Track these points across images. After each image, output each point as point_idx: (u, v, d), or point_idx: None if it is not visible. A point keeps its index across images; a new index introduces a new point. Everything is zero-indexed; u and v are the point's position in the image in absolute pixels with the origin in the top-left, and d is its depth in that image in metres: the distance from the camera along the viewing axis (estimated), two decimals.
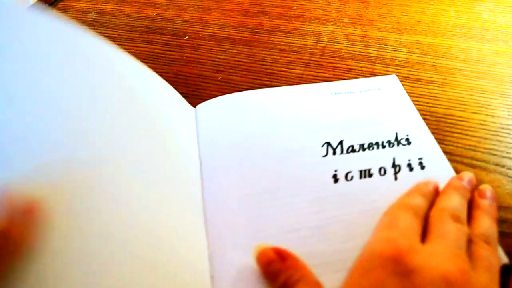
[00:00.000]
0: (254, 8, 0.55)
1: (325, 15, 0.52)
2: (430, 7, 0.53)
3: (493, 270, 0.23)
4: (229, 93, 0.40)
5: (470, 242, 0.24)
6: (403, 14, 0.52)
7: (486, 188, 0.29)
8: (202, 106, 0.39)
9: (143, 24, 0.53)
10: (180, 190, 0.30)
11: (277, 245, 0.27)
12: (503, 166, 0.33)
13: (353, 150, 0.34)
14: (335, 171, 0.32)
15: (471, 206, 0.28)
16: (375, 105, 0.38)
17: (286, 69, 0.44)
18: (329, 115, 0.37)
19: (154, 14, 0.54)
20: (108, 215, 0.23)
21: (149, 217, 0.25)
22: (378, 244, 0.23)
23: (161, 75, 0.44)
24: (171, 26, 0.52)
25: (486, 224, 0.26)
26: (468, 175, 0.29)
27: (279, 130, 0.36)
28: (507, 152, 0.34)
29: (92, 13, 0.55)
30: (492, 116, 0.38)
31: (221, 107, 0.38)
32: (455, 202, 0.26)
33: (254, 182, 0.32)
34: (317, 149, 0.34)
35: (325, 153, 0.34)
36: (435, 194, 0.28)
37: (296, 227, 0.29)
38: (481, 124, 0.36)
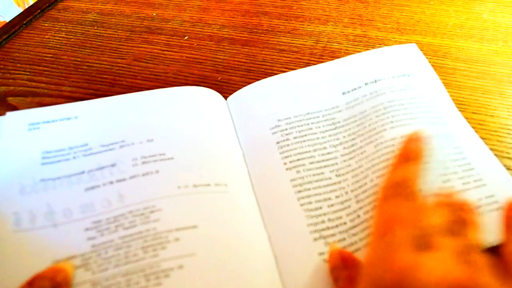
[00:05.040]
0: (254, 8, 0.55)
1: (325, 15, 0.52)
2: (430, 7, 0.53)
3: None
4: (229, 93, 0.40)
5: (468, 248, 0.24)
6: (403, 14, 0.52)
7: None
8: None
9: (142, 24, 0.53)
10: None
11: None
12: (503, 166, 0.33)
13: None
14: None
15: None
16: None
17: (286, 69, 0.44)
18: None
19: (154, 14, 0.54)
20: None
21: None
22: (376, 270, 0.22)
23: (160, 75, 0.44)
24: (171, 26, 0.52)
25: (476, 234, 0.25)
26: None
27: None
28: (507, 152, 0.34)
29: (92, 13, 0.55)
30: (492, 116, 0.38)
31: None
32: (444, 218, 0.25)
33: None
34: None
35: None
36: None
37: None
38: (481, 124, 0.36)
